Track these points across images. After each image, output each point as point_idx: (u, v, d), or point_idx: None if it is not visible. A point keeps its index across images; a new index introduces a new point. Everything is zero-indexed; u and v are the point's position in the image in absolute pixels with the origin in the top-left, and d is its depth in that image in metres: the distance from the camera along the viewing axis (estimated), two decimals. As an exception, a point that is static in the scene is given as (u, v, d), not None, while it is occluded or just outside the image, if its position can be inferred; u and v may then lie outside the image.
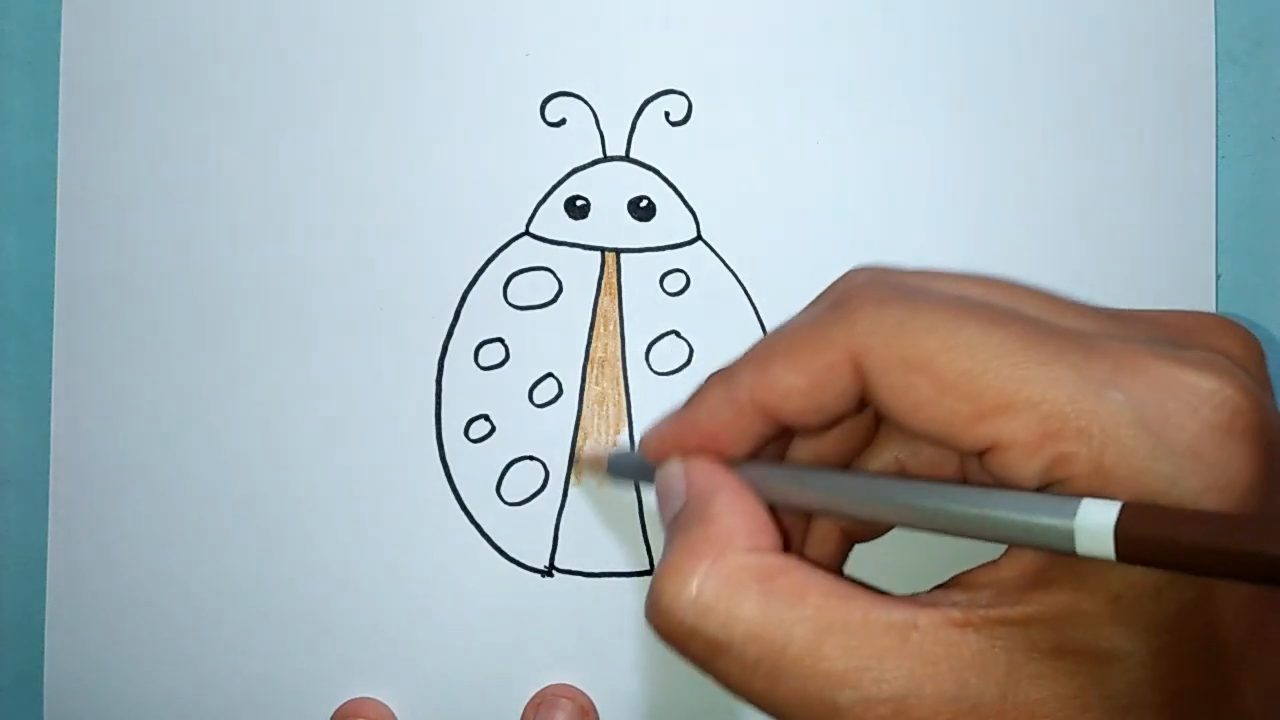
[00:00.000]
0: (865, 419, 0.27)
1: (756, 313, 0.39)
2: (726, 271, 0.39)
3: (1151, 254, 0.39)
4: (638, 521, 0.39)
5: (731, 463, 0.25)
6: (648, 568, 0.38)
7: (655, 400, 0.39)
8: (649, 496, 0.39)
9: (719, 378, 0.25)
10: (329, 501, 0.39)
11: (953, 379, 0.21)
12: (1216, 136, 0.39)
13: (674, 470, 0.26)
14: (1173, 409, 0.20)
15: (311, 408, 0.39)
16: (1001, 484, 0.22)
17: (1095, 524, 0.19)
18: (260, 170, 0.39)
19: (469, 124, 0.39)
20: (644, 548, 0.39)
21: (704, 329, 0.39)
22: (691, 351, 0.39)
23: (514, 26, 0.39)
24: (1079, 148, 0.39)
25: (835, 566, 0.28)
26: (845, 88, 0.39)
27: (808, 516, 0.27)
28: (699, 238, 0.39)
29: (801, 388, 0.23)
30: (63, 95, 0.39)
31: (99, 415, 0.39)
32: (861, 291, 0.23)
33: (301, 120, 0.39)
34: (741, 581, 0.22)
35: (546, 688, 0.38)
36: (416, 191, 0.39)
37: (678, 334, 0.39)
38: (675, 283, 0.39)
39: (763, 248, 0.39)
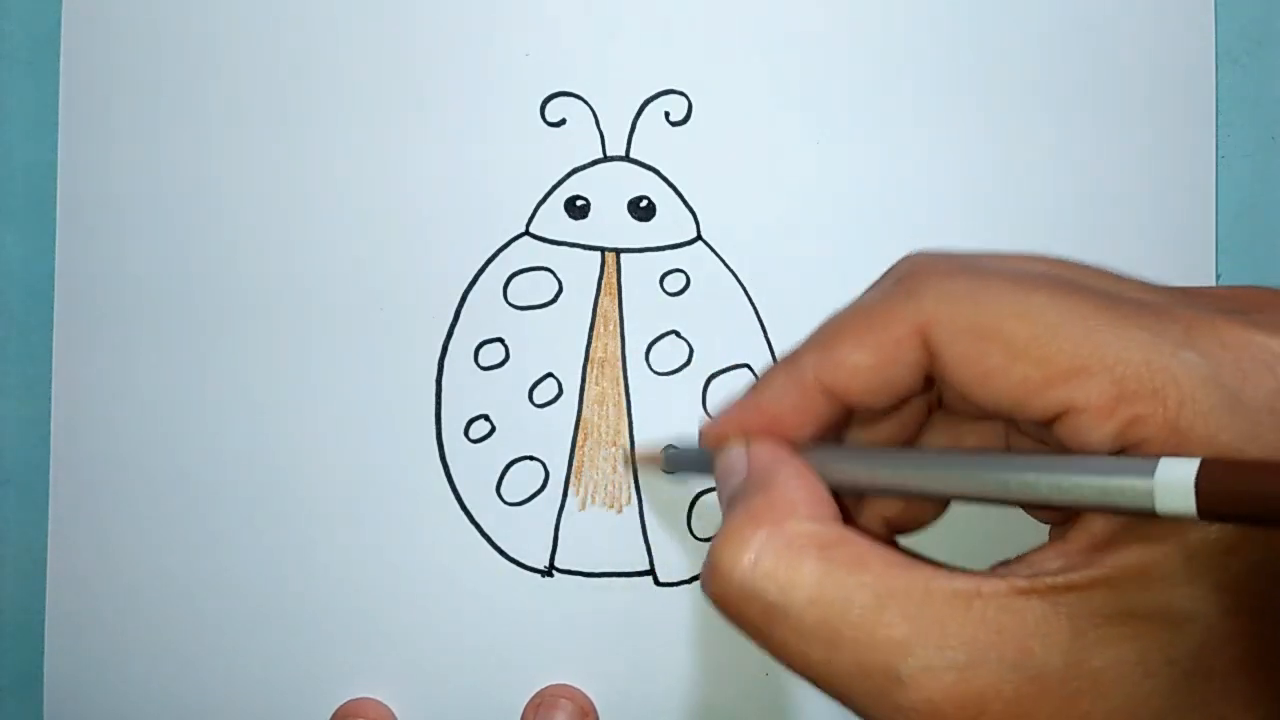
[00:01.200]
0: (918, 410, 0.26)
1: (756, 313, 0.39)
2: (726, 271, 0.39)
3: (1151, 254, 0.39)
4: (638, 521, 0.39)
5: (793, 446, 0.25)
6: (648, 568, 0.38)
7: (655, 400, 0.39)
8: (648, 496, 0.39)
9: (783, 363, 0.25)
10: (329, 501, 0.39)
11: (1024, 344, 0.21)
12: (1216, 136, 0.39)
13: (737, 451, 0.25)
14: (1248, 369, 0.20)
15: (311, 408, 0.39)
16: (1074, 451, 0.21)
17: (1175, 480, 0.19)
18: (260, 170, 0.39)
19: (469, 124, 0.39)
20: (644, 548, 0.39)
21: (704, 329, 0.39)
22: (691, 351, 0.39)
23: (514, 26, 0.39)
24: (1079, 148, 0.39)
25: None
26: (845, 88, 0.39)
27: (854, 510, 0.27)
28: (699, 238, 0.39)
29: (869, 365, 0.23)
30: (63, 95, 0.39)
31: (99, 415, 0.39)
32: (927, 266, 0.23)
33: (301, 120, 0.39)
34: (802, 547, 0.22)
35: (546, 688, 0.38)
36: (416, 191, 0.39)
37: (678, 334, 0.39)
38: (675, 283, 0.39)
39: (763, 248, 0.39)
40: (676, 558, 0.38)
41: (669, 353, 0.39)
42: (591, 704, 0.38)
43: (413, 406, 0.39)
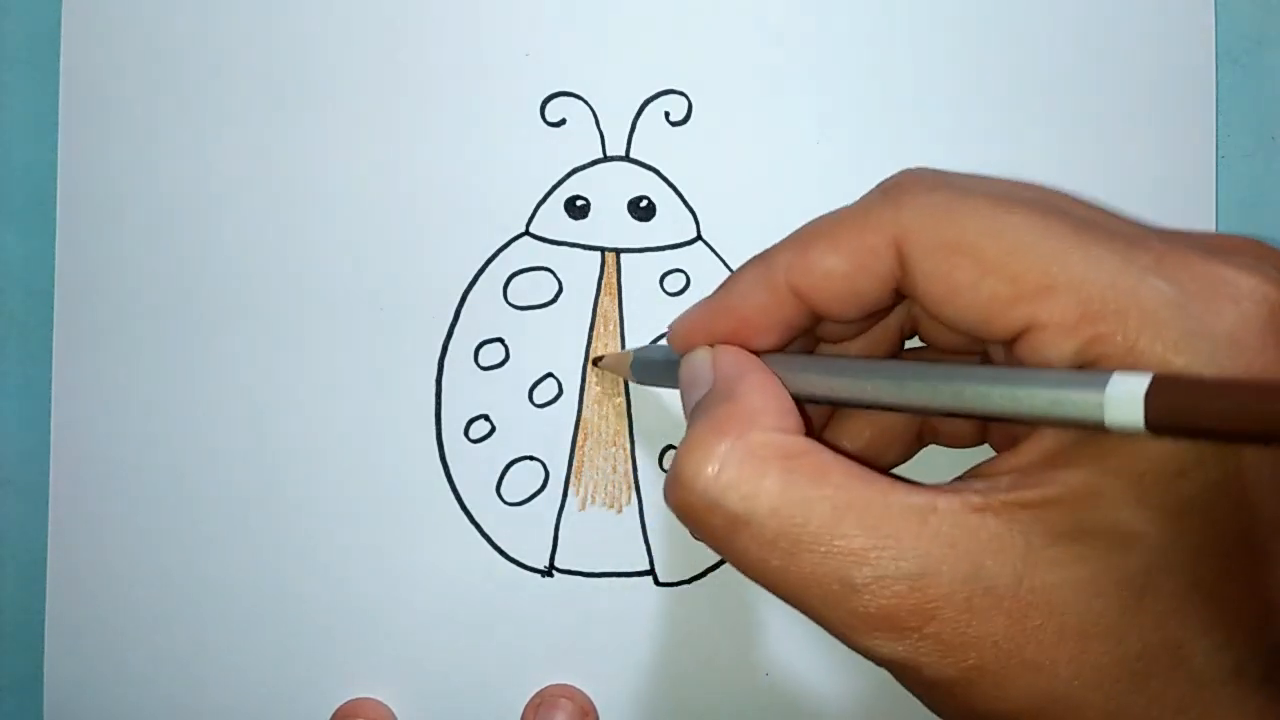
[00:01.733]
0: (888, 334, 0.26)
1: (756, 313, 0.39)
2: (726, 271, 0.39)
3: (1151, 254, 0.39)
4: (638, 521, 0.39)
5: (760, 354, 0.25)
6: (648, 568, 0.38)
7: (655, 400, 0.39)
8: (649, 496, 0.39)
9: (755, 260, 0.25)
10: (329, 501, 0.39)
11: (995, 260, 0.21)
12: (1216, 136, 0.39)
13: (701, 357, 0.25)
14: (1213, 300, 0.20)
15: (311, 408, 0.39)
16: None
17: (1126, 394, 0.19)
18: (260, 170, 0.39)
19: (469, 124, 0.39)
20: (644, 548, 0.39)
21: (704, 329, 0.39)
22: (691, 351, 0.39)
23: (514, 26, 0.39)
24: (1079, 148, 0.39)
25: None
26: (846, 87, 0.39)
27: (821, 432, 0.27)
28: (699, 238, 0.39)
29: (841, 270, 0.23)
30: (63, 95, 0.39)
31: (99, 415, 0.39)
32: (911, 179, 0.23)
33: (301, 120, 0.39)
34: (765, 458, 0.22)
35: (546, 688, 0.38)
36: (416, 191, 0.39)
37: (678, 334, 0.39)
38: (675, 283, 0.39)
39: (762, 248, 0.39)
40: (676, 558, 0.38)
41: (669, 353, 0.39)
42: (591, 704, 0.38)
43: (413, 406, 0.39)
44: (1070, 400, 0.20)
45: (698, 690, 0.38)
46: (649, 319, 0.39)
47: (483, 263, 0.39)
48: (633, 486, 0.39)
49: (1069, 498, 0.21)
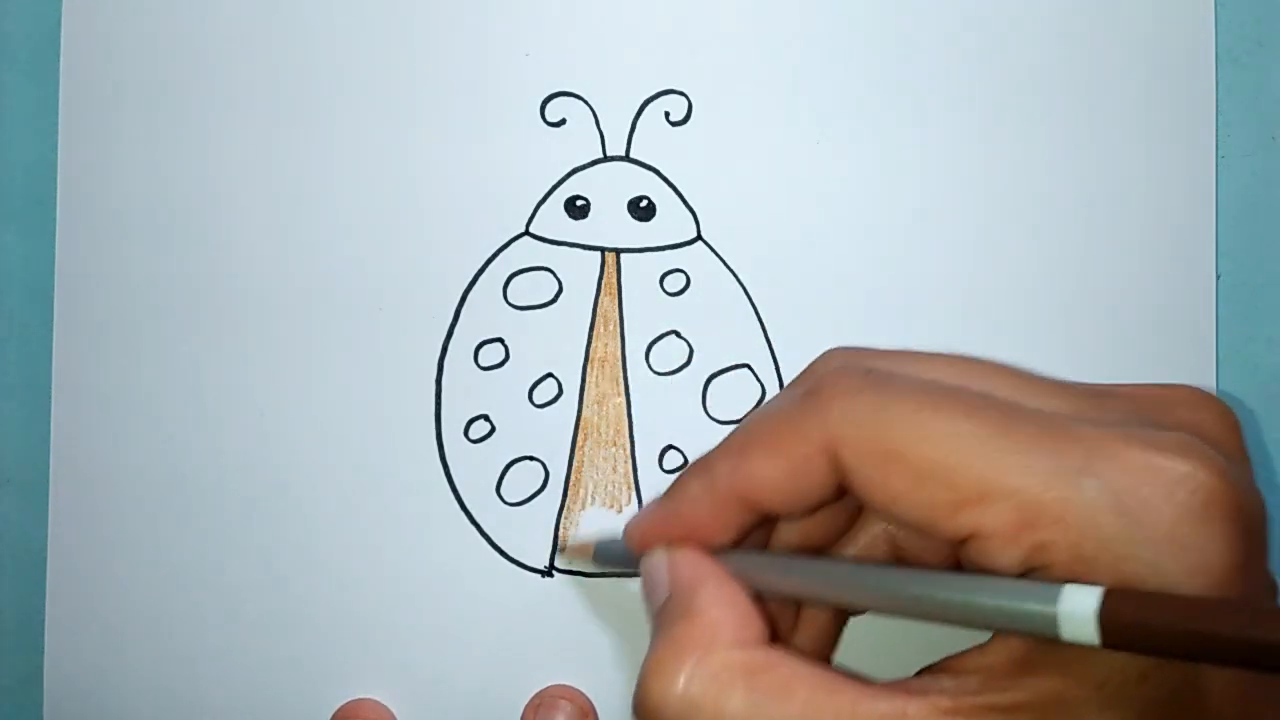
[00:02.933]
0: (849, 504, 0.26)
1: (756, 313, 0.39)
2: (726, 271, 0.39)
3: (1151, 254, 0.39)
4: (638, 521, 0.39)
5: (717, 551, 0.25)
6: (648, 568, 0.38)
7: (655, 400, 0.39)
8: (648, 494, 0.39)
9: (697, 468, 0.25)
10: (329, 502, 0.39)
11: (928, 469, 0.21)
12: (1216, 136, 0.39)
13: (658, 561, 0.26)
14: (1148, 494, 0.20)
15: (311, 408, 0.39)
16: (984, 571, 0.22)
17: (1078, 610, 0.19)
18: (260, 170, 0.39)
19: (469, 124, 0.39)
20: (644, 548, 0.39)
21: (704, 329, 0.39)
22: (691, 351, 0.39)
23: (514, 26, 0.39)
24: (1079, 148, 0.39)
25: (830, 643, 0.28)
26: (846, 87, 0.39)
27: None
28: (699, 238, 0.39)
29: (779, 478, 0.23)
30: (63, 95, 0.39)
31: (99, 415, 0.39)
32: (835, 380, 0.23)
33: (301, 120, 0.39)
34: (728, 678, 0.22)
35: (546, 689, 0.38)
36: (416, 191, 0.39)
37: (678, 334, 0.39)
38: (675, 283, 0.39)
39: (763, 248, 0.39)
40: (676, 558, 0.38)
41: (669, 353, 0.39)
42: (591, 705, 0.38)
43: (413, 406, 0.39)
44: (1025, 613, 0.20)
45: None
46: (649, 319, 0.39)
47: (483, 263, 0.39)
48: (633, 487, 0.39)
49: (1036, 704, 0.21)
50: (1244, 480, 0.21)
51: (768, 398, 0.39)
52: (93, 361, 0.39)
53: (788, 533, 0.27)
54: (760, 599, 0.25)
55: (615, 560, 0.31)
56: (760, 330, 0.39)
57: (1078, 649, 0.20)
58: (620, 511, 0.39)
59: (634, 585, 0.38)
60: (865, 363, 0.24)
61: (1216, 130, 0.39)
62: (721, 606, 0.24)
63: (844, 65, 0.39)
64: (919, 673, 0.23)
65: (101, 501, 0.39)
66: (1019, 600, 0.20)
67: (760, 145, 0.39)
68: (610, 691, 0.38)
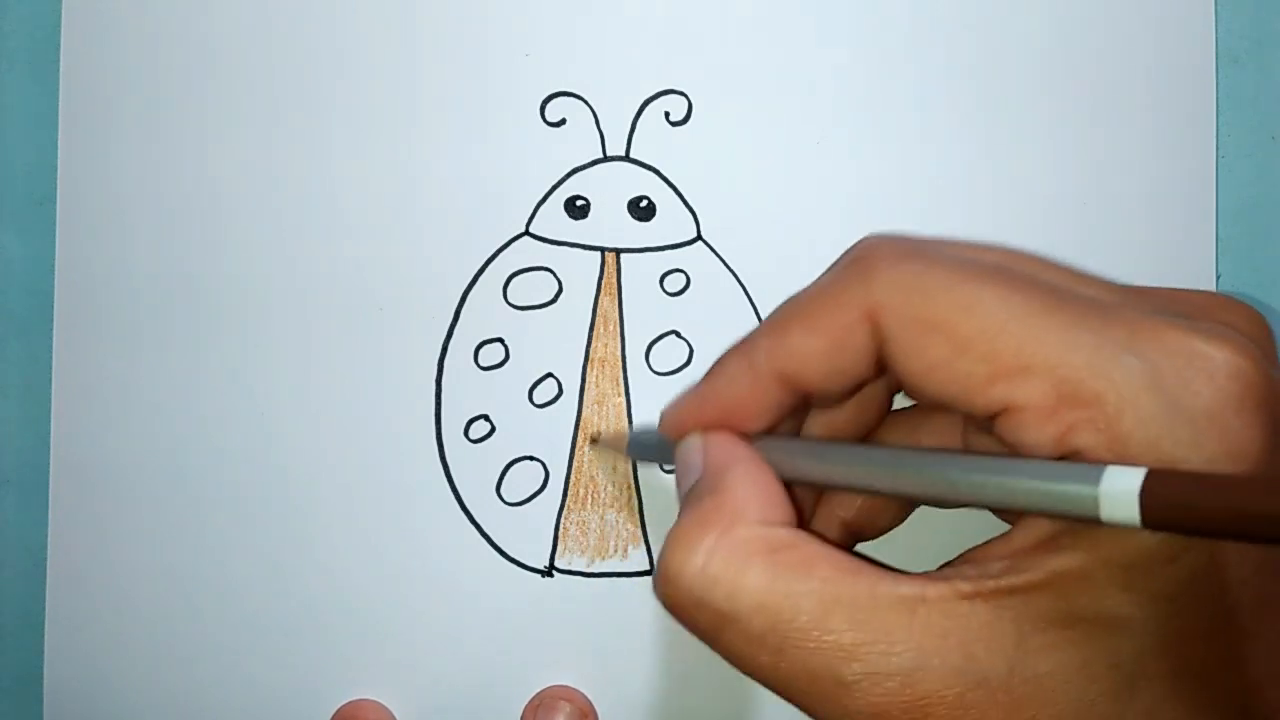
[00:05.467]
0: (878, 395, 0.26)
1: (756, 313, 0.39)
2: (726, 271, 0.39)
3: (1151, 254, 0.39)
4: (638, 522, 0.39)
5: (750, 437, 0.25)
6: (648, 568, 0.38)
7: (655, 400, 0.39)
8: (648, 496, 0.39)
9: (737, 348, 0.25)
10: (329, 502, 0.39)
11: (969, 338, 0.21)
12: (1216, 136, 0.39)
13: (693, 444, 0.25)
14: (1189, 376, 0.20)
15: (311, 408, 0.39)
16: (1015, 451, 0.21)
17: (1120, 490, 0.19)
18: (260, 170, 0.39)
19: (469, 124, 0.39)
20: (644, 548, 0.39)
21: (704, 329, 0.39)
22: (691, 351, 0.39)
23: (514, 26, 0.39)
24: (1079, 148, 0.39)
25: (853, 536, 0.28)
26: (846, 88, 0.39)
27: (812, 510, 0.27)
28: (699, 238, 0.39)
29: (820, 350, 0.23)
30: (63, 95, 0.39)
31: (99, 415, 0.39)
32: (879, 249, 0.23)
33: (301, 120, 0.39)
34: (750, 552, 0.22)
35: (545, 689, 0.38)
36: (416, 191, 0.39)
37: (678, 334, 0.39)
38: (675, 283, 0.39)
39: (763, 248, 0.39)
40: (676, 558, 0.38)
41: (669, 353, 0.39)
42: (591, 705, 0.38)
43: (413, 406, 0.39)
44: (1064, 494, 0.20)
45: (698, 691, 0.38)
46: (649, 319, 0.39)
47: (483, 263, 0.39)
48: (633, 487, 0.39)
49: (1059, 583, 0.21)
50: (1276, 375, 0.21)
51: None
52: (93, 361, 0.39)
53: (815, 428, 0.27)
54: (791, 487, 0.24)
55: (648, 450, 0.31)
56: (760, 330, 0.39)
57: (1105, 530, 0.20)
58: (620, 511, 0.39)
59: (633, 586, 0.39)
60: (909, 240, 0.24)
61: (1216, 130, 0.39)
62: (750, 485, 0.23)
63: (844, 66, 0.39)
64: (941, 566, 0.23)
65: (101, 501, 0.39)
66: (1060, 480, 0.20)
67: (760, 145, 0.39)
68: (610, 692, 0.38)
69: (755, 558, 0.22)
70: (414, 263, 0.39)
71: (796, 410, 0.25)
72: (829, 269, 0.25)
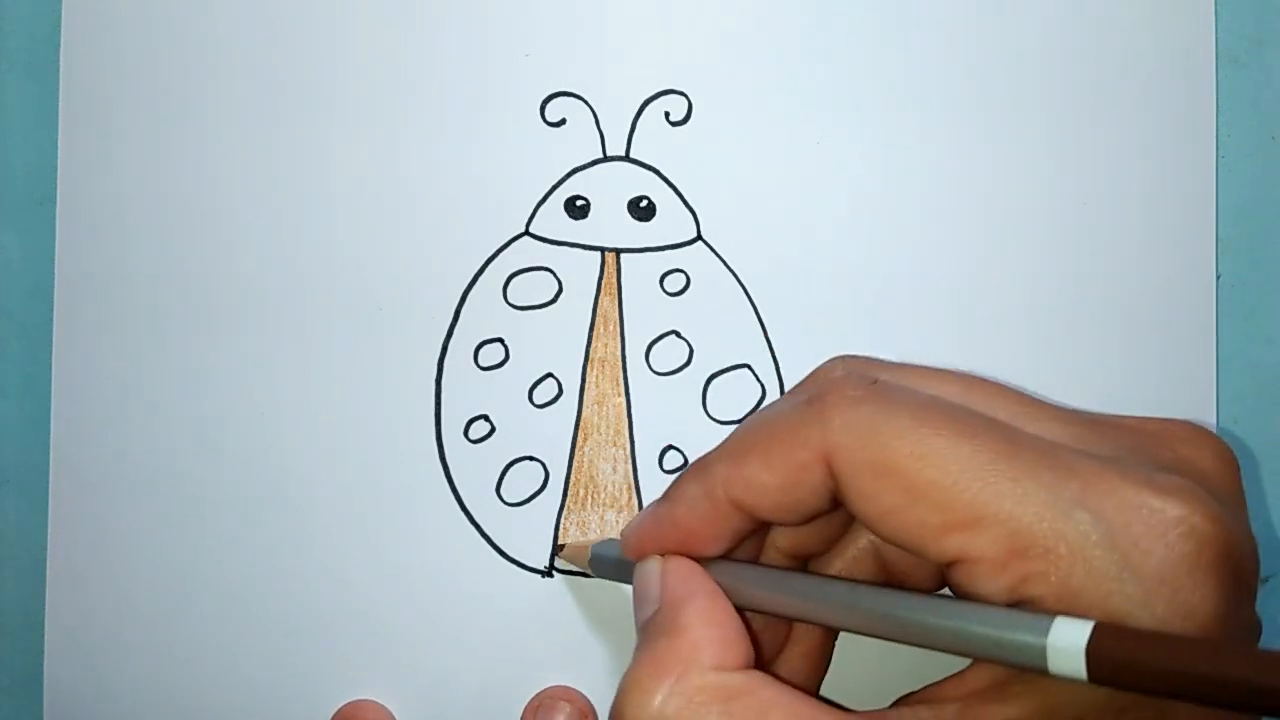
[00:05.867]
0: (840, 515, 0.26)
1: (756, 313, 0.39)
2: (726, 271, 0.39)
3: (1151, 254, 0.39)
4: (638, 521, 0.39)
5: (709, 561, 0.25)
6: (648, 568, 0.38)
7: (655, 400, 0.39)
8: (648, 494, 0.39)
9: (695, 472, 0.25)
10: (328, 502, 0.39)
11: (922, 488, 0.21)
12: (1216, 136, 0.39)
13: (650, 571, 0.26)
14: (1140, 533, 0.20)
15: (311, 408, 0.39)
16: (969, 597, 0.22)
17: (1068, 643, 0.19)
18: (260, 170, 0.39)
19: (469, 124, 0.39)
20: (644, 548, 0.39)
21: (704, 329, 0.39)
22: (691, 351, 0.39)
23: (514, 26, 0.39)
24: (1079, 148, 0.39)
25: (821, 660, 0.28)
26: (846, 88, 0.39)
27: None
28: (699, 238, 0.39)
29: (775, 485, 0.23)
30: (63, 95, 0.39)
31: (99, 415, 0.39)
32: (837, 389, 0.23)
33: (301, 120, 0.39)
34: (703, 701, 0.22)
35: (545, 690, 0.38)
36: (416, 191, 0.39)
37: (678, 334, 0.39)
38: (675, 283, 0.39)
39: (763, 248, 0.39)
40: (676, 558, 0.38)
41: (669, 353, 0.39)
42: (590, 706, 0.38)
43: (412, 406, 0.39)
44: (1013, 643, 0.20)
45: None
46: (649, 319, 0.39)
47: (483, 263, 0.39)
48: (633, 487, 0.39)
49: None
50: (1238, 525, 0.21)
51: (768, 398, 0.39)
52: (93, 361, 0.39)
53: (780, 538, 0.27)
54: (746, 615, 0.24)
55: (610, 567, 0.31)
56: (760, 330, 0.39)
57: (1057, 682, 0.20)
58: (620, 511, 0.39)
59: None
60: (869, 373, 0.24)
61: (1216, 130, 0.39)
62: (706, 626, 0.24)
63: (844, 65, 0.39)
64: (896, 702, 0.23)
65: (101, 501, 0.39)
66: (1009, 630, 0.20)
67: (760, 145, 0.39)
68: (610, 692, 0.38)
69: (710, 706, 0.22)
70: (414, 263, 0.39)
71: (756, 533, 0.26)
72: (791, 391, 0.25)
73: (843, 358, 0.26)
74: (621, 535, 0.27)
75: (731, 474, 0.24)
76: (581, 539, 0.38)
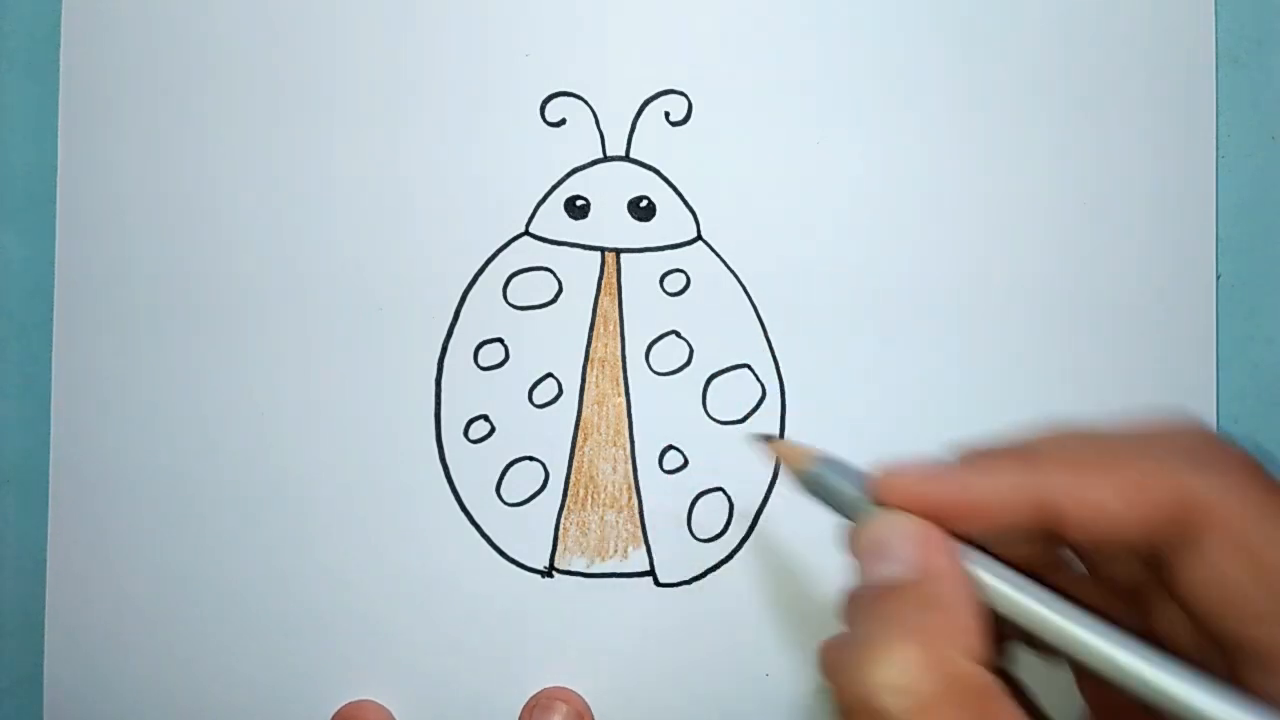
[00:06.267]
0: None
1: (756, 313, 0.39)
2: (726, 271, 0.39)
3: (1151, 254, 0.39)
4: (638, 522, 0.39)
5: (964, 546, 0.23)
6: (648, 568, 0.38)
7: (655, 400, 0.39)
8: (648, 496, 0.39)
9: (1016, 454, 0.23)
10: (329, 502, 0.39)
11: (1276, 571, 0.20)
12: (1216, 136, 0.39)
13: (904, 528, 0.23)
14: None
15: (311, 408, 0.39)
16: (1240, 684, 0.20)
17: None
18: (260, 170, 0.39)
19: (469, 124, 0.39)
20: (644, 548, 0.39)
21: (704, 329, 0.39)
22: (691, 351, 0.39)
23: (514, 26, 0.39)
24: (1079, 148, 0.39)
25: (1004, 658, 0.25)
26: (846, 88, 0.39)
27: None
28: (699, 238, 0.39)
29: (1116, 512, 0.21)
30: (63, 95, 0.39)
31: (99, 415, 0.39)
32: (1210, 449, 0.21)
33: (301, 120, 0.39)
34: (960, 691, 0.20)
35: (542, 691, 0.38)
36: (416, 191, 0.39)
37: (678, 334, 0.39)
38: (675, 283, 0.39)
39: (763, 248, 0.39)
40: (676, 558, 0.38)
41: (669, 353, 0.39)
42: (587, 706, 0.38)
43: (412, 407, 0.39)
44: None
45: (697, 691, 0.38)
46: (649, 319, 0.39)
47: (483, 263, 0.39)
48: (633, 487, 0.39)
49: None
50: None
51: (768, 398, 0.39)
52: (93, 361, 0.39)
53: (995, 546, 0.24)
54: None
55: (832, 493, 0.26)
56: (760, 330, 0.39)
57: None
58: (620, 511, 0.39)
59: (633, 586, 0.39)
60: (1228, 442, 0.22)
61: (1216, 130, 0.39)
62: (971, 611, 0.21)
63: (844, 65, 0.39)
64: None
65: (101, 501, 0.39)
66: None
67: (760, 145, 0.39)
68: (607, 693, 0.38)
69: (967, 698, 0.20)
70: (414, 263, 0.39)
71: (1028, 540, 0.23)
72: (1138, 429, 0.23)
73: (1192, 421, 0.23)
74: (883, 475, 0.24)
75: (1069, 480, 0.22)
76: (801, 443, 0.28)
